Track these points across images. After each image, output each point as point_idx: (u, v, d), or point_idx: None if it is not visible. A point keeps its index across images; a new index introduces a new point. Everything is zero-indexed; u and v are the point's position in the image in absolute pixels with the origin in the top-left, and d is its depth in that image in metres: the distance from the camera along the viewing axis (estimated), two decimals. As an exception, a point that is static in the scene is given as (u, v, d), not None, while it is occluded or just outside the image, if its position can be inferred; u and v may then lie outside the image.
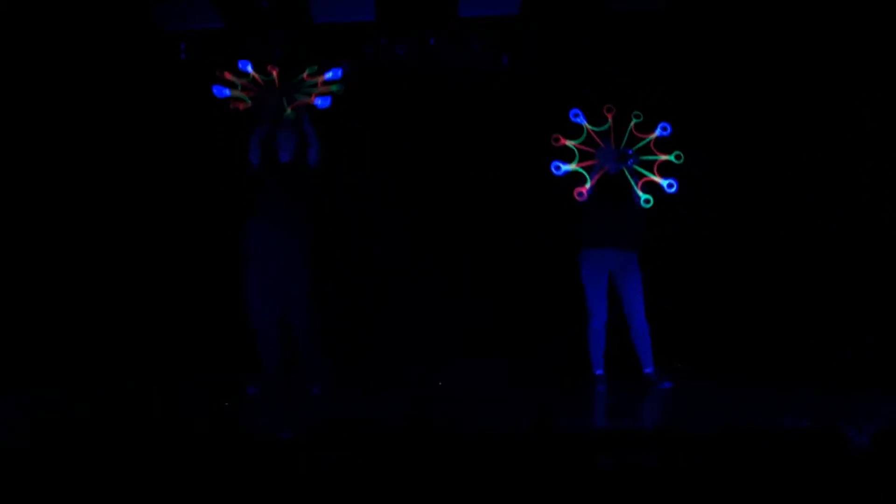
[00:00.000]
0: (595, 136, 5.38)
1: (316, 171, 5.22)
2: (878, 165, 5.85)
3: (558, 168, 5.23)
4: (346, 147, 6.29)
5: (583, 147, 5.35)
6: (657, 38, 6.24)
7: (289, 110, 5.22)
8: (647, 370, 5.27)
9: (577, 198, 5.21)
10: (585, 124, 5.38)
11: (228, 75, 5.33)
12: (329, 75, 5.37)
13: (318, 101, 5.27)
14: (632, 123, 5.42)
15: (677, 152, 5.31)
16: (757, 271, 6.14)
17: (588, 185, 5.23)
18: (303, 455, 3.14)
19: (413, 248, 6.39)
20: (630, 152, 5.29)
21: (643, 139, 5.41)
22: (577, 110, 5.38)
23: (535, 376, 5.82)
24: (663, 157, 5.35)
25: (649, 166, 5.35)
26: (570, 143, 5.31)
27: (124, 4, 6.03)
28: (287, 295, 5.12)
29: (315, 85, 5.36)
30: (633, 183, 5.28)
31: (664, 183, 5.26)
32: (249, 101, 5.29)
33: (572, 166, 5.29)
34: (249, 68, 5.34)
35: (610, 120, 5.40)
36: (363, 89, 6.34)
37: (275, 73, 5.38)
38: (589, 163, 5.34)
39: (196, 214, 6.30)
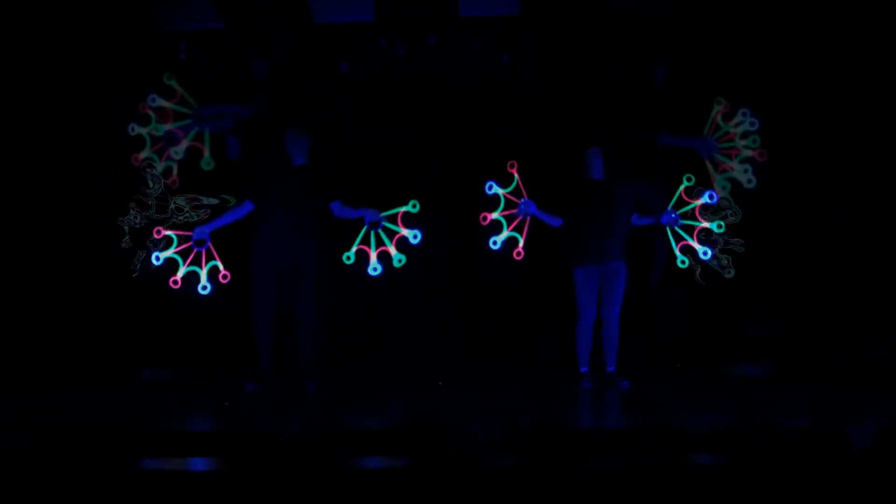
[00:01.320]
0: (511, 198, 5.58)
1: (327, 175, 5.33)
2: (878, 165, 5.85)
3: (495, 243, 5.54)
4: (346, 147, 6.29)
5: (506, 213, 5.57)
6: (657, 39, 6.23)
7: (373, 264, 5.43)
8: (611, 369, 5.43)
9: (516, 257, 5.52)
10: (500, 192, 5.58)
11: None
12: (411, 235, 5.46)
13: (394, 256, 5.44)
14: (682, 187, 5.56)
15: (719, 222, 5.45)
16: (756, 271, 6.13)
17: (521, 244, 5.53)
18: (303, 455, 3.14)
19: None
20: (675, 215, 5.49)
21: (689, 203, 5.57)
22: (490, 183, 5.58)
23: (534, 376, 5.81)
24: (705, 225, 5.53)
25: (690, 231, 5.54)
26: (494, 215, 5.55)
27: (124, 4, 6.03)
28: (296, 298, 5.16)
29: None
30: (672, 243, 5.51)
31: (700, 250, 5.45)
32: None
33: (504, 235, 5.55)
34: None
35: (515, 174, 5.58)
36: (363, 90, 6.35)
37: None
38: (516, 222, 5.57)
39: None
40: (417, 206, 5.47)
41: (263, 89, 5.35)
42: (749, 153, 5.66)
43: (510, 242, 5.59)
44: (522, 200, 5.53)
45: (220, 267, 5.26)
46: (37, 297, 6.07)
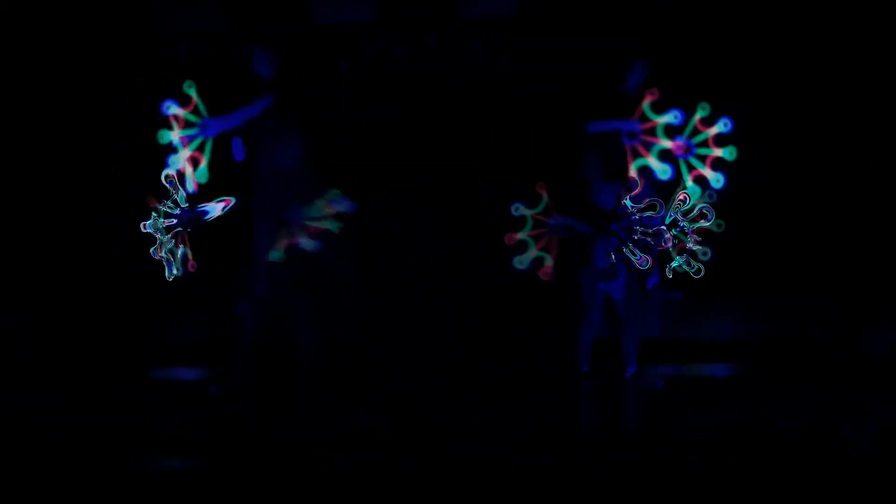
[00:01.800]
0: (539, 218, 5.53)
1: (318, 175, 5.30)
2: (878, 165, 5.86)
3: (521, 263, 5.47)
4: (346, 148, 6.29)
5: (533, 234, 5.52)
6: (657, 39, 6.23)
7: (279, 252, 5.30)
8: (632, 370, 5.40)
9: (542, 278, 5.44)
10: (528, 213, 5.54)
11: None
12: (340, 206, 5.35)
13: (303, 242, 5.27)
14: (678, 192, 5.53)
15: (719, 221, 5.44)
16: (755, 269, 6.14)
17: (550, 263, 5.44)
18: (303, 455, 3.15)
19: (412, 250, 6.38)
20: (666, 212, 5.48)
21: (683, 205, 5.56)
22: (517, 204, 5.51)
23: (534, 376, 5.81)
24: (704, 224, 5.50)
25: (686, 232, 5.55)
26: (520, 235, 5.51)
27: (124, 4, 6.03)
28: (296, 299, 5.18)
29: (319, 212, 5.38)
30: (670, 250, 5.47)
31: (699, 251, 5.46)
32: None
33: (531, 254, 5.48)
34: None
35: (545, 195, 5.53)
36: (363, 90, 6.35)
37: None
38: (543, 242, 5.52)
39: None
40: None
41: (271, 88, 5.34)
42: (668, 146, 5.64)
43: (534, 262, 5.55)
44: (551, 219, 5.47)
45: (190, 255, 5.25)
46: (37, 296, 6.08)
